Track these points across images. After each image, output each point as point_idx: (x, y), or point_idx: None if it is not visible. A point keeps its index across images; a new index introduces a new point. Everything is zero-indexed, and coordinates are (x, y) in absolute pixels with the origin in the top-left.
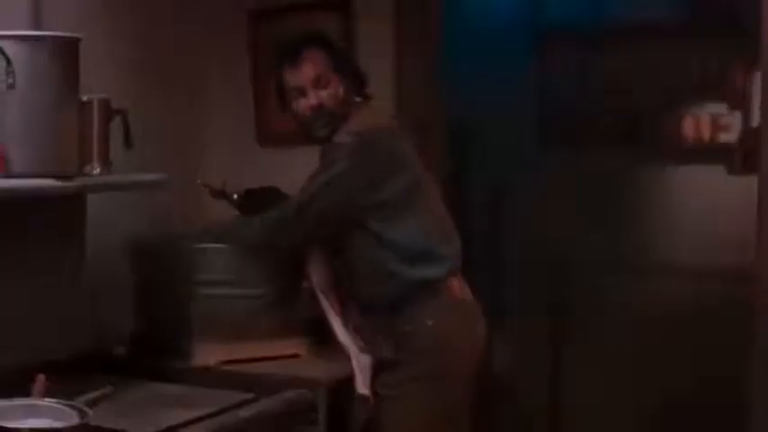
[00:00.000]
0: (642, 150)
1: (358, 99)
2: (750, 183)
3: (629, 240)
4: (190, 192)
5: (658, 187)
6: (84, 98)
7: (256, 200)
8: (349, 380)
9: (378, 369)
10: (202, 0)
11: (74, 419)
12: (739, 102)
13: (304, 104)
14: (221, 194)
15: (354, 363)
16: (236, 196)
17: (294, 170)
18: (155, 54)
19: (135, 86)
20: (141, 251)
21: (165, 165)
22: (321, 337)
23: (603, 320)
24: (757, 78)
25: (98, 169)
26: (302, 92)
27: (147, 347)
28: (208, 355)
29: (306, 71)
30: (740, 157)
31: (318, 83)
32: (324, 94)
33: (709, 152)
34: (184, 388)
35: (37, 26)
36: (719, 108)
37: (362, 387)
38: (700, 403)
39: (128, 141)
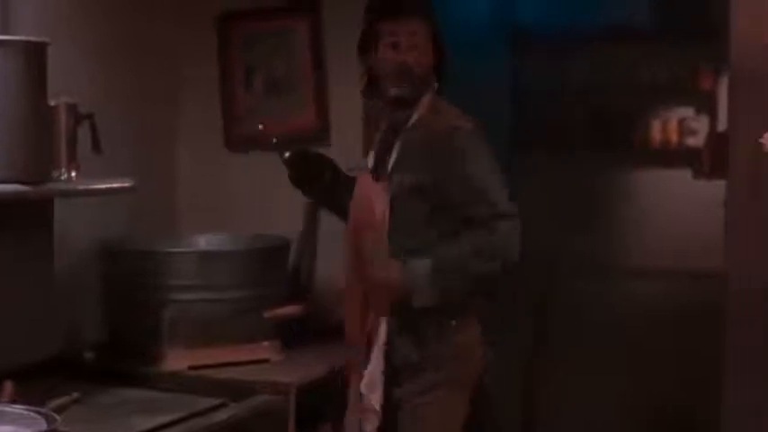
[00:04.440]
0: (613, 154)
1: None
2: (717, 186)
3: (600, 243)
4: (159, 196)
5: (629, 191)
6: (52, 102)
7: (307, 164)
8: (319, 383)
9: (393, 379)
10: (171, 3)
11: (42, 426)
12: (707, 106)
13: (392, 56)
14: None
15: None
16: (287, 154)
17: (263, 174)
18: (123, 58)
19: (103, 91)
20: (110, 256)
21: (134, 170)
22: (291, 341)
23: (577, 322)
24: (725, 83)
25: (66, 174)
26: (395, 45)
27: (116, 353)
28: (177, 360)
29: (406, 25)
30: (707, 162)
31: (413, 42)
32: (415, 54)
33: (677, 156)
34: (154, 393)
35: (4, 30)
36: (687, 112)
37: (374, 403)
38: (674, 403)
39: (96, 146)
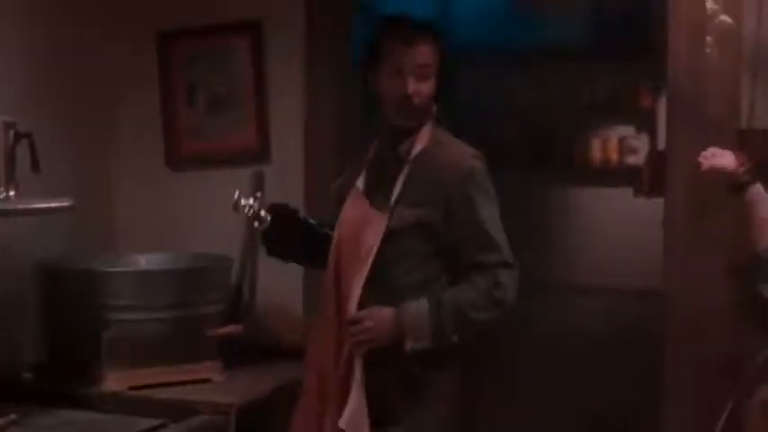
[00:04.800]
0: (553, 172)
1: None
2: (657, 205)
3: (540, 261)
4: (99, 216)
5: (569, 209)
6: None
7: (283, 230)
8: (260, 403)
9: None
10: (112, 21)
11: None
12: (647, 124)
13: (399, 86)
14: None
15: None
16: (257, 224)
17: (204, 193)
18: (62, 76)
19: (42, 109)
20: (49, 276)
21: (74, 189)
22: (233, 361)
23: (515, 338)
24: (664, 102)
25: (5, 194)
26: (403, 73)
27: (55, 373)
28: (118, 380)
29: (418, 53)
30: (647, 180)
31: (422, 73)
32: (422, 87)
33: (617, 174)
34: (94, 414)
35: None
36: (628, 130)
37: None
38: (612, 419)
39: (35, 165)
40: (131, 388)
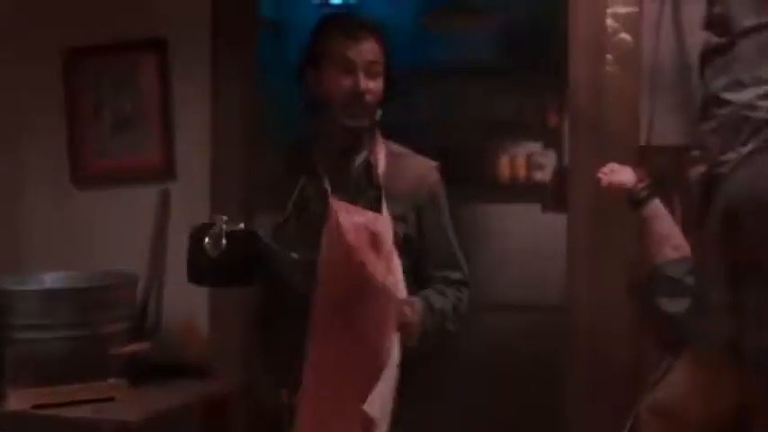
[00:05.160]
0: (462, 189)
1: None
2: (564, 220)
3: None
4: (2, 234)
5: (478, 225)
6: None
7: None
8: (164, 420)
9: None
10: (16, 37)
11: None
12: (554, 141)
13: (350, 83)
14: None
15: None
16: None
17: (110, 211)
18: None
19: None
20: None
21: None
22: (138, 379)
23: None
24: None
25: None
26: (352, 69)
27: None
28: (21, 399)
29: (366, 50)
30: (553, 196)
31: (371, 69)
32: (372, 84)
33: (525, 190)
34: None
35: None
36: (535, 147)
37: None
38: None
39: None
40: (35, 407)
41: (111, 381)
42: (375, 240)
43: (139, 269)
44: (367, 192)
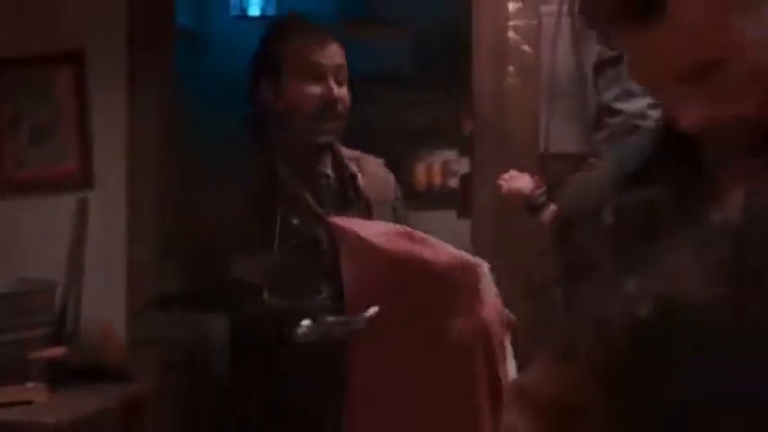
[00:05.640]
0: None
1: None
2: None
3: None
4: None
5: None
6: None
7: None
8: (82, 424)
9: None
10: None
11: None
12: (469, 149)
13: (318, 92)
14: None
15: None
16: None
17: (29, 219)
18: None
19: None
20: None
21: None
22: (56, 383)
23: None
24: None
25: None
26: (321, 76)
27: None
28: None
29: (334, 53)
30: (462, 202)
31: (339, 75)
32: (342, 91)
33: (441, 197)
34: None
35: None
36: (451, 155)
37: None
38: None
39: None
40: None
41: (30, 385)
42: (411, 236)
43: (58, 276)
44: (356, 203)
